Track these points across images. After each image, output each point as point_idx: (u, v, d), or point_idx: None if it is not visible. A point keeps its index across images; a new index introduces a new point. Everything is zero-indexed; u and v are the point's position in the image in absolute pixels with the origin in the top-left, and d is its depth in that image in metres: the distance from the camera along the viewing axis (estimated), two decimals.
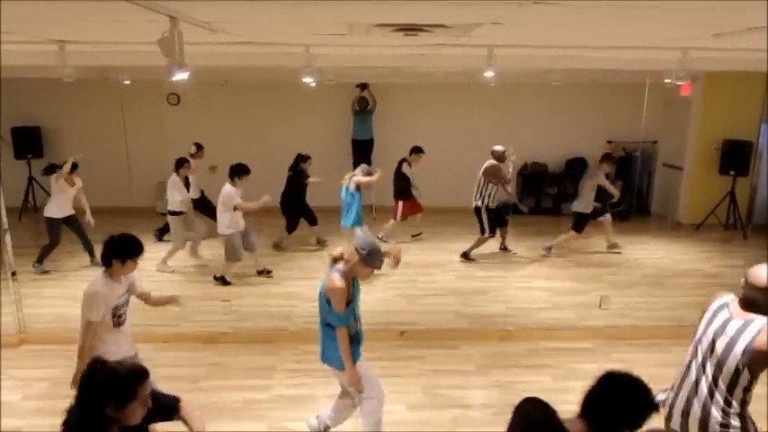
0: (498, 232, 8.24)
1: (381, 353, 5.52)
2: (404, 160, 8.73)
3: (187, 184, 7.74)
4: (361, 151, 10.45)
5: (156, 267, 7.63)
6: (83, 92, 9.38)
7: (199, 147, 8.51)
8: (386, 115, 10.53)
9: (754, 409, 2.84)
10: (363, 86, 10.33)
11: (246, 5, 2.39)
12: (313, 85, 6.88)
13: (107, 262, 3.73)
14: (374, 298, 6.83)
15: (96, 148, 10.10)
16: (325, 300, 3.70)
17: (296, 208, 8.40)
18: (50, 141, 10.46)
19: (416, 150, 8.67)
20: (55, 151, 10.46)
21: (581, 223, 8.22)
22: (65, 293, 6.96)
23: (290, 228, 8.45)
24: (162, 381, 5.05)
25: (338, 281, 3.64)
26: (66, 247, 7.92)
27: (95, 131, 10.15)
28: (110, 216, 8.45)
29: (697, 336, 2.90)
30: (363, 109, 10.36)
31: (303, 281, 7.32)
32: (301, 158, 8.41)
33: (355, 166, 10.31)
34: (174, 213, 7.63)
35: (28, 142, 10.17)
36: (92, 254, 7.72)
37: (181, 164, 7.65)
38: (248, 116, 10.44)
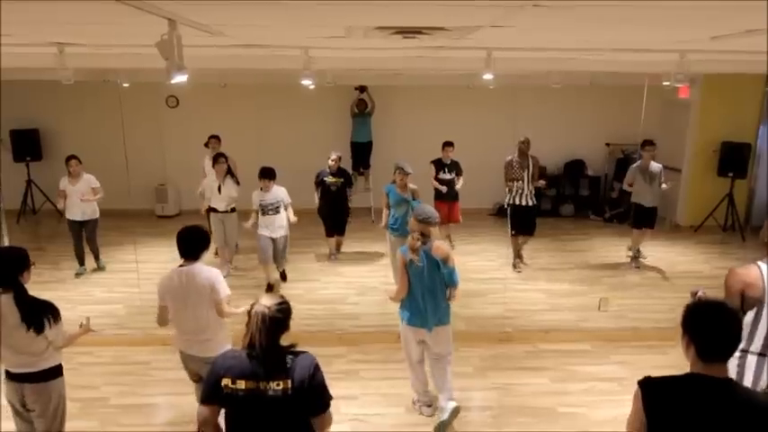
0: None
1: (380, 355, 5.52)
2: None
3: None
4: (361, 154, 10.46)
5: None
6: (81, 94, 9.37)
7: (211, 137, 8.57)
8: (385, 118, 10.54)
9: None
10: (362, 89, 10.33)
11: (245, 8, 2.39)
12: (312, 87, 6.88)
13: (198, 254, 4.03)
14: (372, 300, 6.83)
15: (95, 150, 10.08)
16: (443, 266, 4.29)
17: (325, 213, 8.30)
18: (49, 144, 10.46)
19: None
20: (53, 154, 10.47)
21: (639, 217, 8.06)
22: (63, 296, 6.95)
23: (327, 232, 8.36)
24: (162, 383, 5.08)
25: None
26: (64, 248, 7.92)
27: (94, 134, 10.14)
28: (108, 218, 8.44)
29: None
30: (362, 111, 10.36)
31: (300, 283, 7.32)
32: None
33: (354, 168, 10.36)
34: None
35: (26, 145, 10.16)
36: (96, 257, 7.85)
37: (215, 161, 7.61)
38: (247, 119, 10.44)
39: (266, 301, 2.74)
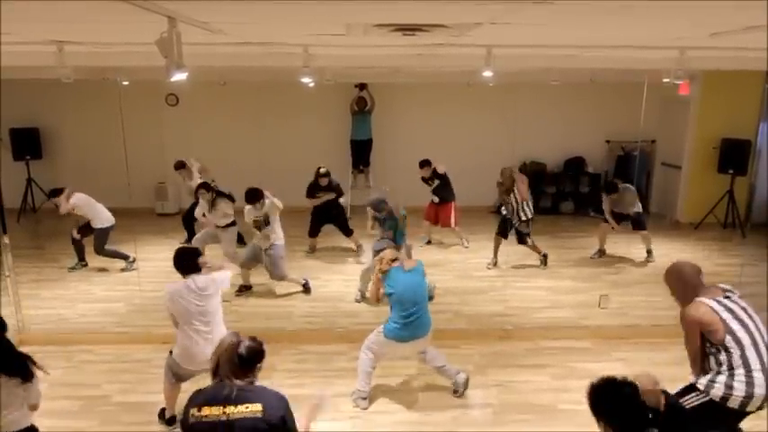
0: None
1: None
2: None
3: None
4: (360, 151, 10.46)
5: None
6: (81, 93, 9.37)
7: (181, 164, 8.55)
8: (385, 115, 10.53)
9: None
10: (362, 86, 10.32)
11: (245, 6, 2.39)
12: (311, 85, 6.87)
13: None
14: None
15: (95, 148, 10.12)
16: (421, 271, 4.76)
17: (318, 215, 8.34)
18: (49, 142, 10.46)
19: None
20: (54, 152, 10.48)
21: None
22: (64, 294, 6.97)
23: (311, 231, 8.41)
24: (161, 381, 5.07)
25: None
26: (64, 247, 7.92)
27: (94, 132, 10.14)
28: None
29: (732, 327, 3.36)
30: (362, 109, 10.36)
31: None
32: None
33: (354, 166, 10.37)
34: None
35: (26, 143, 10.16)
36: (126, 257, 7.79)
37: (197, 194, 7.59)
38: (247, 117, 10.43)
39: (240, 336, 2.81)
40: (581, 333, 6.03)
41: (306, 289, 7.05)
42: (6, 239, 5.82)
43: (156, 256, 8.29)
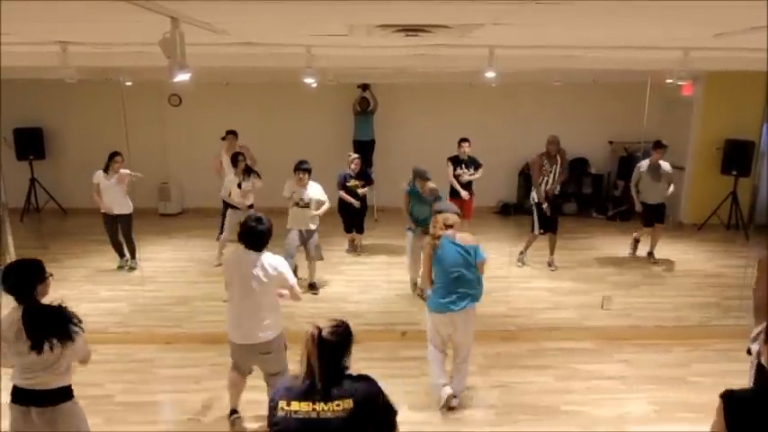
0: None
1: (383, 353, 5.52)
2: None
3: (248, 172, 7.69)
4: (363, 152, 10.42)
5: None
6: (84, 93, 9.37)
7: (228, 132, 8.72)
8: (387, 116, 10.53)
9: None
10: (365, 87, 10.33)
11: (247, 6, 2.39)
12: (314, 85, 6.88)
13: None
14: (375, 298, 6.84)
15: (98, 148, 10.08)
16: (474, 252, 4.62)
17: (346, 208, 8.39)
18: (52, 142, 10.48)
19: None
20: (57, 152, 10.50)
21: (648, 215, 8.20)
22: (68, 294, 6.90)
23: (346, 227, 8.52)
24: (164, 381, 5.10)
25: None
26: (68, 247, 7.94)
27: (97, 132, 10.14)
28: None
29: None
30: (365, 109, 10.36)
31: (303, 281, 7.29)
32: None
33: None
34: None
35: (30, 143, 10.19)
36: (132, 255, 7.80)
37: (234, 160, 7.67)
38: (250, 117, 10.43)
39: (320, 323, 2.54)
40: (584, 334, 6.02)
41: (312, 288, 7.09)
42: (10, 239, 5.83)
43: (159, 256, 8.32)
